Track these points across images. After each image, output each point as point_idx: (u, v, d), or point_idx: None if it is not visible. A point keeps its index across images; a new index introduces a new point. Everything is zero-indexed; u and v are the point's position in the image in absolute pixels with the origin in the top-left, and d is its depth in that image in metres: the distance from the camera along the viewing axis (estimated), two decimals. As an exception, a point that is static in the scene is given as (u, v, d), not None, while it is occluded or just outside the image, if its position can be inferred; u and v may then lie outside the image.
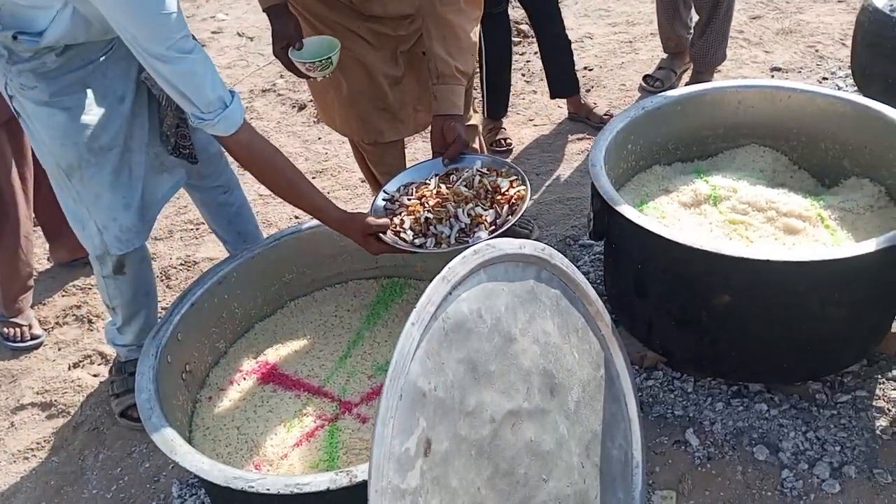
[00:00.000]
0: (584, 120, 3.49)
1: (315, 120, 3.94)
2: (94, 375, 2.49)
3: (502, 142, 3.39)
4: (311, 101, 4.09)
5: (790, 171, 2.41)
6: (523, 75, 4.00)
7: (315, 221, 2.03)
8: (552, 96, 3.51)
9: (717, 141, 2.47)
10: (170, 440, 1.44)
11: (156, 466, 2.14)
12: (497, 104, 3.32)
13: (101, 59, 1.78)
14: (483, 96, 3.30)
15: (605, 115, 3.44)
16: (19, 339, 2.62)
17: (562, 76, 3.36)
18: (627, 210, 1.89)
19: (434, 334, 1.30)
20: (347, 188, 3.33)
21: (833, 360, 2.00)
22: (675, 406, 2.06)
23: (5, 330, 2.62)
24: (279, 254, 2.00)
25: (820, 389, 2.05)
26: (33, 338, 2.64)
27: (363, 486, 1.32)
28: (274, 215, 3.21)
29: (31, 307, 2.73)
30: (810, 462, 1.88)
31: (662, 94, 2.41)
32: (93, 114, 1.79)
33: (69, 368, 2.54)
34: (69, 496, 2.11)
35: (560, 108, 3.64)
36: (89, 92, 1.78)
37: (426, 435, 1.25)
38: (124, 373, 2.26)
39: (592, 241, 2.69)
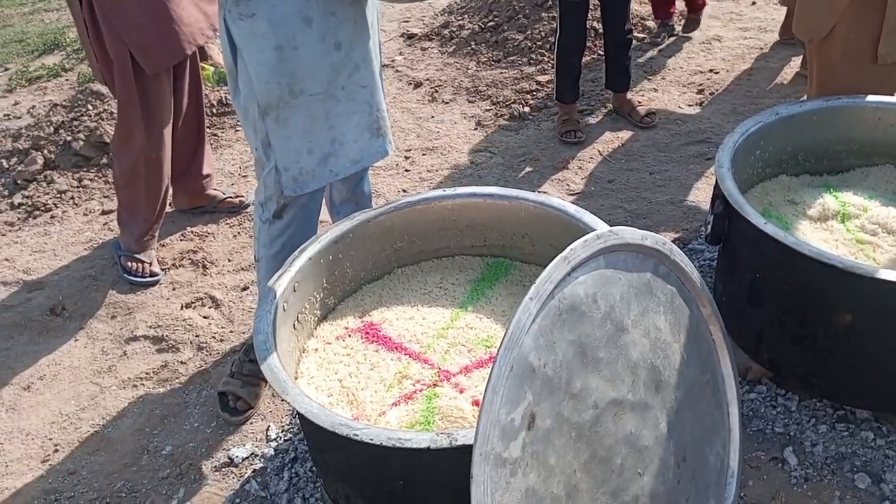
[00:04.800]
0: (626, 116, 3.53)
1: (429, 98, 3.99)
2: (205, 317, 2.62)
3: (572, 133, 3.41)
4: (428, 79, 4.15)
5: (926, 196, 2.28)
6: (645, 72, 3.92)
7: (431, 193, 2.07)
8: (605, 86, 3.61)
9: (850, 157, 2.36)
10: (283, 380, 1.50)
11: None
12: (564, 88, 3.44)
13: None
14: (555, 79, 3.46)
15: (647, 115, 3.46)
16: (139, 273, 2.79)
17: (617, 71, 3.49)
18: (752, 215, 1.83)
19: (549, 312, 1.31)
20: (456, 168, 3.37)
21: (953, 398, 1.89)
22: (775, 422, 1.99)
23: (129, 264, 2.79)
24: (393, 221, 2.05)
25: (934, 426, 1.94)
26: (152, 275, 2.80)
27: (461, 450, 1.35)
28: (383, 186, 3.28)
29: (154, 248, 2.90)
30: (916, 499, 1.79)
31: (799, 101, 2.32)
32: (303, 57, 1.77)
33: (182, 308, 2.68)
34: (171, 426, 2.24)
35: (681, 109, 3.56)
36: (307, 31, 1.75)
37: (531, 409, 1.27)
38: (248, 355, 2.23)
39: (703, 247, 2.63)
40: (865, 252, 2.00)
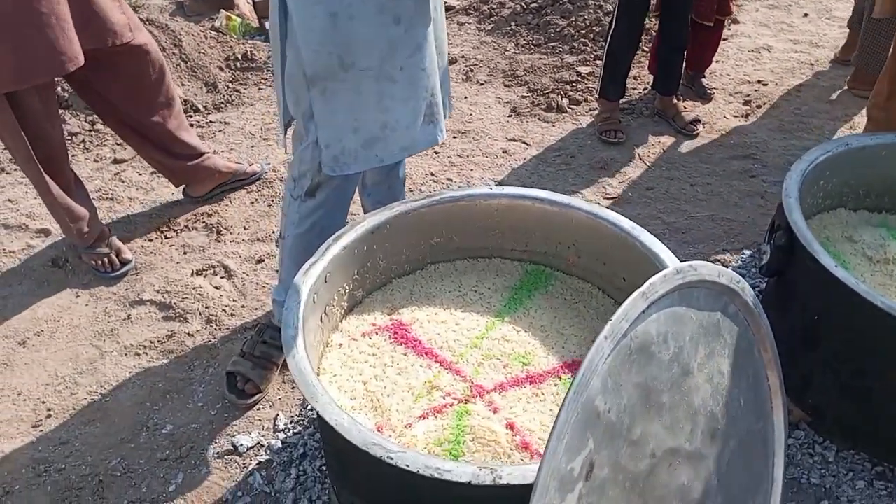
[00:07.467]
0: (670, 121, 3.39)
1: (464, 77, 3.83)
2: (216, 287, 2.49)
3: (612, 133, 3.27)
4: (463, 56, 3.98)
5: None
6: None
7: (476, 190, 1.93)
8: (652, 88, 3.48)
9: (913, 197, 2.24)
10: (312, 384, 1.38)
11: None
12: (610, 85, 3.28)
13: None
14: (600, 74, 3.29)
15: (692, 122, 3.32)
16: (104, 269, 2.54)
17: (668, 74, 3.35)
18: (822, 254, 1.71)
19: (620, 352, 1.19)
20: (488, 155, 3.23)
21: None
22: (811, 472, 1.89)
23: (91, 261, 2.55)
24: (433, 215, 1.92)
25: (978, 496, 1.85)
26: (123, 263, 2.58)
27: (503, 489, 1.24)
28: (410, 168, 3.14)
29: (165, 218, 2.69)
30: (955, 572, 1.70)
31: (869, 134, 2.19)
32: (358, 28, 1.64)
33: (192, 274, 2.54)
34: (174, 402, 2.12)
35: (727, 120, 3.42)
36: (365, 1, 1.62)
37: (591, 457, 1.15)
38: (261, 336, 2.14)
39: (742, 272, 2.51)
40: (926, 304, 1.89)
